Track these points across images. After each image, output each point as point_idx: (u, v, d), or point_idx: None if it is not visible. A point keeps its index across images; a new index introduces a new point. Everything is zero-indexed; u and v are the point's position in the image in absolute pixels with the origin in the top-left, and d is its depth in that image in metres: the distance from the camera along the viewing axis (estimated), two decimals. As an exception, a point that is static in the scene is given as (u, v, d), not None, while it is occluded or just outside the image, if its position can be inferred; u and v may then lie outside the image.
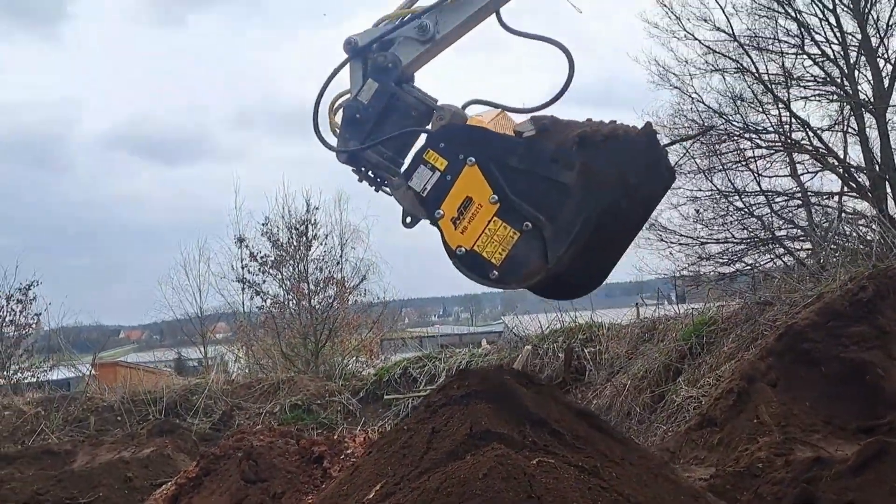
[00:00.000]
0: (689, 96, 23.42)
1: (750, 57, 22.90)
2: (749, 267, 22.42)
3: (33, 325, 25.55)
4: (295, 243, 23.96)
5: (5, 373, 23.27)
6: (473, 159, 4.40)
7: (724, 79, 23.33)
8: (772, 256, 22.44)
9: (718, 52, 23.24)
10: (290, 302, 24.56)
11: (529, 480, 3.00)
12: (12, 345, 24.33)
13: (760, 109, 23.13)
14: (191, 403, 18.26)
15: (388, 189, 5.13)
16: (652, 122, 4.44)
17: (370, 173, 5.24)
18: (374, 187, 5.29)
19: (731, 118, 23.09)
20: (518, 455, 3.15)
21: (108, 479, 9.71)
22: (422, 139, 5.06)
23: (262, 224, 24.44)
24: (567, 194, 4.17)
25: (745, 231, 23.10)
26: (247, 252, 24.70)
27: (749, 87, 23.14)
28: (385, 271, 26.68)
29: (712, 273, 22.59)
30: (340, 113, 5.34)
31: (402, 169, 4.98)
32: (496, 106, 5.16)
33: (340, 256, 25.58)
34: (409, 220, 4.90)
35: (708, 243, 23.42)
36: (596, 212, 4.15)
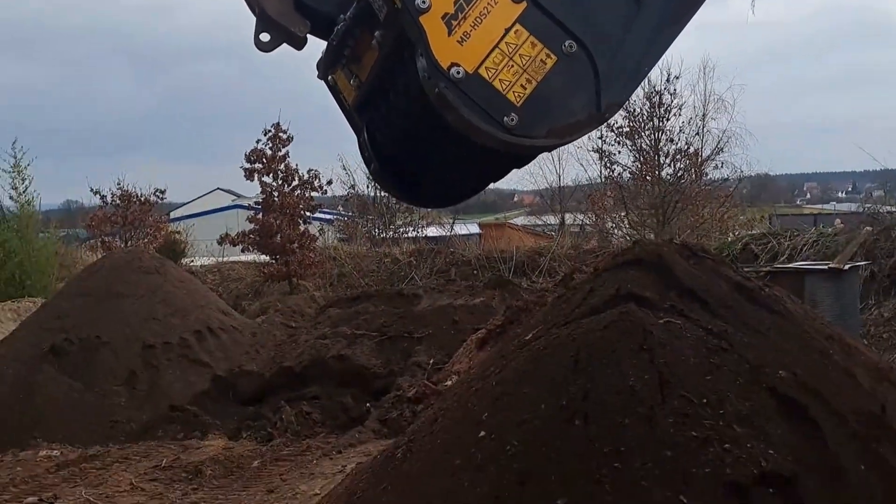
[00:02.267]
0: None
1: None
2: None
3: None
4: (646, 114, 23.96)
5: (392, 227, 26.99)
6: None
7: None
8: None
9: None
10: (643, 173, 24.83)
11: (645, 336, 3.39)
12: (396, 202, 27.85)
13: None
14: (537, 264, 19.85)
15: None
16: None
17: None
18: None
19: None
20: (647, 315, 3.54)
21: (438, 320, 11.36)
22: None
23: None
24: (635, 6, 2.84)
25: None
26: (603, 121, 25.20)
27: None
28: (750, 144, 25.56)
29: None
30: None
31: None
32: None
33: (702, 127, 25.14)
34: (266, 36, 3.10)
35: None
36: (673, 39, 2.92)
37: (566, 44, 2.75)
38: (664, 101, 24.04)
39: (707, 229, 23.32)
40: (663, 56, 2.98)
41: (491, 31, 2.69)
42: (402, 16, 2.67)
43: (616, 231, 24.58)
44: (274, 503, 6.41)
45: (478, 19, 2.68)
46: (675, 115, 24.13)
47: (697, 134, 24.92)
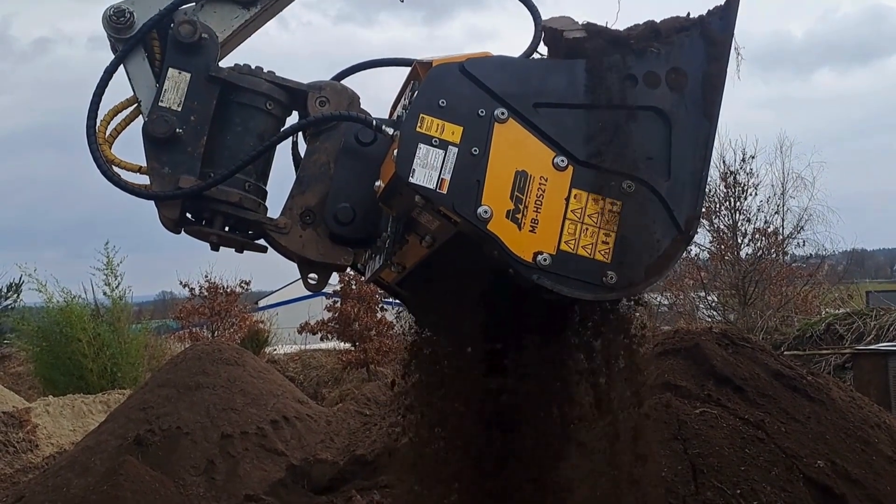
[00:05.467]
0: None
1: None
2: None
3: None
4: (721, 194, 23.80)
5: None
6: (505, 111, 2.78)
7: None
8: None
9: None
10: (721, 253, 24.51)
11: (679, 425, 3.46)
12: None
13: None
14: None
15: (262, 242, 3.44)
16: None
17: (223, 223, 3.33)
18: (235, 248, 3.47)
19: None
20: (683, 404, 3.60)
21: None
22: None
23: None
24: (665, 122, 2.88)
25: None
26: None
27: None
28: (834, 221, 24.91)
29: None
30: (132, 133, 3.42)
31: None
32: (392, 63, 3.86)
33: (781, 206, 24.80)
34: (314, 277, 3.33)
35: None
36: (712, 134, 2.93)
37: (623, 185, 2.82)
38: (739, 180, 23.90)
39: (790, 309, 22.74)
40: (713, 151, 3.07)
41: (554, 208, 2.77)
42: (467, 228, 2.75)
43: (697, 313, 24.16)
44: None
45: (538, 202, 2.75)
46: (751, 194, 23.93)
47: (777, 213, 24.60)
